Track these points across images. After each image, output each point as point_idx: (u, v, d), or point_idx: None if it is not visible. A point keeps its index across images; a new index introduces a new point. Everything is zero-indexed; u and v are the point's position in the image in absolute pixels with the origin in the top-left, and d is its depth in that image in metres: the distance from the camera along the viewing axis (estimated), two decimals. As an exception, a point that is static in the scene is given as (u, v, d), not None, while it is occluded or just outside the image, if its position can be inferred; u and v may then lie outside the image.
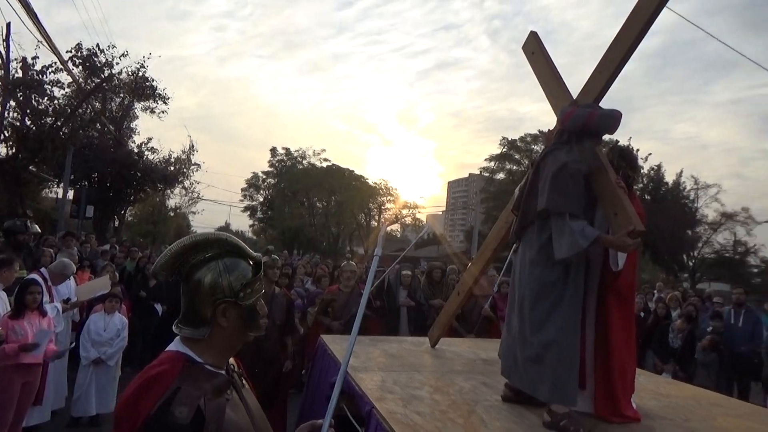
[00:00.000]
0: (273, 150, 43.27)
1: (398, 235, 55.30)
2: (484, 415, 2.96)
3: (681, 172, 37.89)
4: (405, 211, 46.08)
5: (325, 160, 42.96)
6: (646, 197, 36.34)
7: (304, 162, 42.97)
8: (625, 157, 3.19)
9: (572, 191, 2.84)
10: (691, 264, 37.00)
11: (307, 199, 42.90)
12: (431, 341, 4.82)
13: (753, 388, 8.13)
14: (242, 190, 43.56)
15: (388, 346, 4.85)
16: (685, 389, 4.08)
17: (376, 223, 43.84)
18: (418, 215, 47.44)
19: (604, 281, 3.11)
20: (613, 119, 2.94)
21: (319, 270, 9.94)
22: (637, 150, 33.49)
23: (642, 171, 35.51)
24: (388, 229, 45.34)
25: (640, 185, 36.33)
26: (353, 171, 44.38)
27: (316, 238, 43.19)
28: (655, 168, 37.13)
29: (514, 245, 3.37)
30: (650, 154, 49.67)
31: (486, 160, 40.06)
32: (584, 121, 2.95)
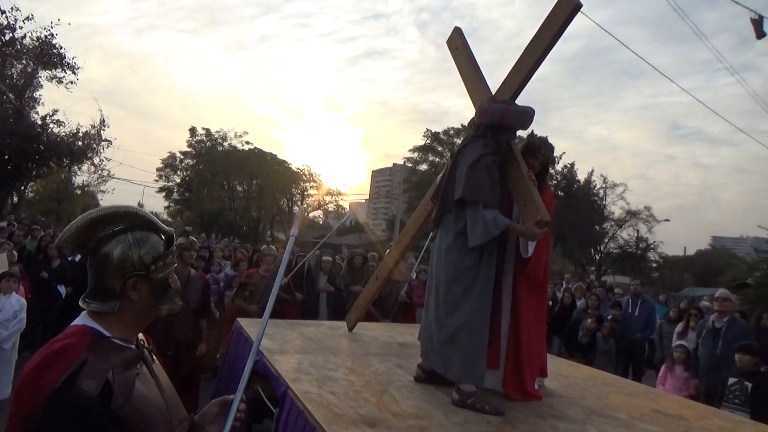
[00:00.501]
0: (192, 130, 41.64)
1: (320, 222, 55.05)
2: (396, 395, 3.04)
3: (592, 171, 40.22)
4: (328, 198, 45.93)
5: (247, 143, 41.90)
6: (560, 193, 38.31)
7: (225, 144, 41.69)
8: (545, 142, 3.40)
9: (486, 182, 2.99)
10: (597, 258, 39.47)
11: (228, 182, 41.71)
12: (348, 325, 4.87)
13: (646, 372, 8.85)
14: (158, 170, 41.63)
15: (305, 329, 4.85)
16: (583, 370, 4.38)
17: (298, 209, 43.36)
18: (341, 202, 47.44)
19: (516, 267, 3.29)
20: (526, 116, 3.11)
21: (238, 254, 9.74)
22: (553, 148, 35.06)
23: (556, 169, 37.42)
24: (311, 215, 45.06)
25: (554, 181, 38.32)
26: (276, 155, 43.63)
27: (236, 222, 42.14)
28: (568, 166, 39.22)
29: (432, 233, 3.49)
30: (564, 153, 52.27)
31: (410, 150, 40.68)
32: (500, 116, 3.10)
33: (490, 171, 3.01)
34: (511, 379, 3.22)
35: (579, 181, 39.68)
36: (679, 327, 7.61)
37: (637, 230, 38.61)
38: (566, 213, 34.86)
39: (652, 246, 39.48)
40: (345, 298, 7.40)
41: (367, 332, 4.98)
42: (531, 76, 3.20)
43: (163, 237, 1.55)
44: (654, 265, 41.80)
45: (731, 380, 5.08)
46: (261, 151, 42.22)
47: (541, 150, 3.31)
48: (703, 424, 3.06)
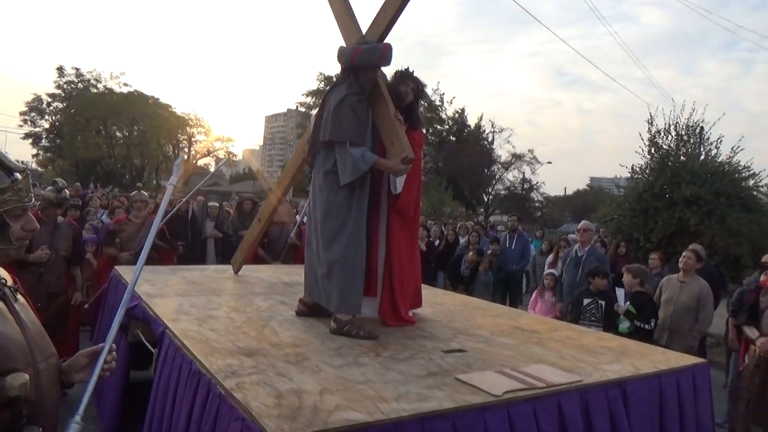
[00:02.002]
0: (60, 69, 37.79)
1: (211, 169, 52.99)
2: (276, 328, 3.15)
3: (481, 116, 41.80)
4: (218, 144, 44.14)
5: (125, 84, 38.85)
6: (451, 138, 39.60)
7: (100, 86, 38.35)
8: (410, 72, 3.53)
9: (352, 121, 3.09)
10: (486, 199, 41.66)
11: (105, 128, 38.66)
12: (234, 267, 4.87)
13: (524, 301, 9.67)
14: (21, 113, 37.58)
15: (189, 274, 4.79)
16: (456, 298, 4.74)
17: (186, 156, 41.33)
18: (231, 149, 45.77)
19: (388, 203, 3.45)
20: (377, 52, 3.18)
21: (115, 202, 9.22)
22: (443, 94, 35.94)
23: (447, 114, 38.45)
24: (200, 162, 43.18)
25: (446, 126, 39.47)
26: (158, 99, 40.92)
27: (117, 171, 39.46)
28: (459, 112, 40.46)
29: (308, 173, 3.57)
30: (454, 97, 53.80)
31: (303, 95, 39.82)
32: (350, 57, 3.17)
33: (354, 110, 3.11)
34: (386, 306, 3.43)
35: (469, 126, 41.14)
36: (550, 258, 8.36)
37: (523, 172, 41.10)
38: (457, 157, 36.33)
39: (535, 187, 42.31)
40: (234, 244, 7.32)
41: (253, 274, 5.01)
42: (399, 15, 3.26)
43: (8, 172, 1.46)
44: (537, 204, 44.83)
45: (586, 300, 5.71)
46: (141, 93, 39.37)
47: (411, 77, 3.43)
48: (553, 336, 3.46)
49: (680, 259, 5.70)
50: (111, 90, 38.18)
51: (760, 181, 10.84)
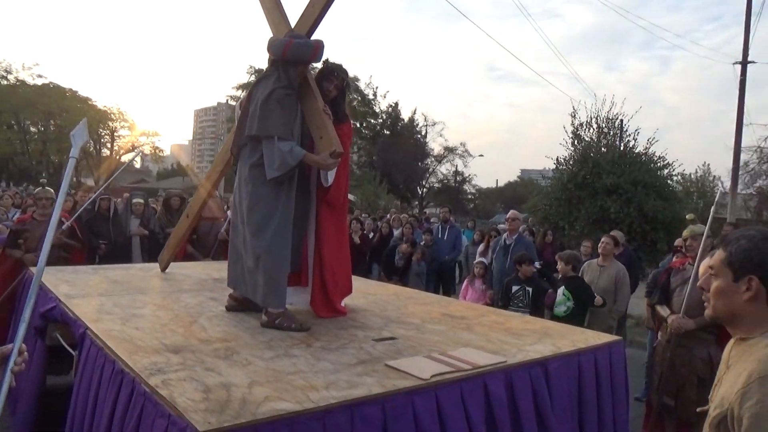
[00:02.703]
0: (-35, 59, 35.03)
1: (137, 165, 50.86)
2: (205, 324, 3.09)
3: (415, 110, 42.22)
4: (143, 139, 42.37)
5: (40, 76, 36.49)
6: (385, 132, 39.84)
7: (10, 77, 35.87)
8: (335, 65, 3.52)
9: (279, 116, 3.08)
10: (421, 192, 42.21)
11: (18, 123, 36.27)
12: (161, 265, 4.71)
13: (457, 289, 9.88)
14: None
15: (112, 273, 4.60)
16: (389, 288, 4.80)
17: (108, 152, 39.48)
18: (158, 144, 44.06)
19: (317, 195, 3.45)
20: (309, 48, 3.18)
21: (29, 200, 8.69)
22: (376, 87, 36.05)
23: (381, 107, 38.61)
24: (124, 158, 41.28)
25: (380, 120, 39.63)
26: (77, 92, 38.76)
27: (32, 168, 37.14)
28: (393, 105, 40.75)
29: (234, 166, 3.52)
30: (388, 91, 54.18)
31: (234, 88, 38.81)
32: (282, 50, 3.14)
33: (282, 104, 3.09)
34: (318, 298, 3.44)
35: (403, 119, 41.52)
36: (481, 247, 8.59)
37: (455, 166, 41.90)
38: (391, 151, 36.63)
39: (467, 179, 43.27)
40: (161, 242, 7.08)
41: (181, 271, 4.87)
42: (327, 10, 3.25)
43: None
44: (470, 196, 45.87)
45: (515, 287, 5.92)
46: (58, 86, 37.15)
47: (334, 73, 3.43)
48: (481, 321, 3.58)
49: (599, 245, 6.01)
50: (23, 82, 35.81)
51: (674, 170, 11.59)
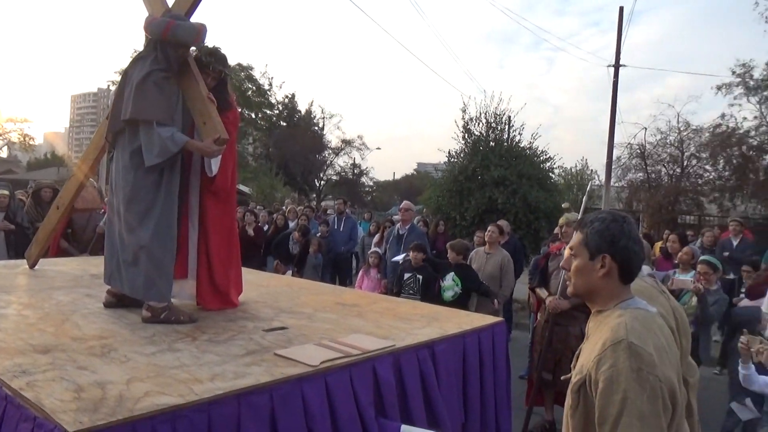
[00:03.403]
0: None
1: (4, 155, 46.08)
2: (80, 322, 2.88)
3: (312, 102, 41.80)
4: (10, 126, 38.46)
5: None
6: (282, 123, 39.14)
7: None
8: (213, 53, 3.33)
9: (158, 99, 2.92)
10: (319, 184, 41.94)
11: None
12: (29, 262, 4.32)
13: (355, 280, 9.96)
14: None
15: (-30, 271, 4.15)
16: (282, 280, 4.75)
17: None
18: (28, 131, 40.23)
19: (202, 183, 3.33)
20: (192, 31, 3.04)
21: None
22: (272, 78, 35.32)
23: (277, 98, 37.85)
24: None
25: (276, 111, 38.87)
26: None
27: None
28: (289, 96, 40.11)
29: (108, 153, 3.30)
30: (284, 82, 53.36)
31: (117, 73, 36.28)
32: (162, 30, 2.98)
33: (160, 88, 2.94)
34: (205, 290, 3.33)
35: (300, 111, 41.02)
36: (376, 238, 8.72)
37: (353, 158, 42.06)
38: (288, 142, 36.06)
39: (365, 172, 43.62)
40: (31, 237, 6.48)
41: (53, 268, 4.50)
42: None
43: None
44: (368, 189, 46.30)
45: (407, 275, 6.08)
46: None
47: (209, 66, 3.26)
48: (372, 308, 3.65)
49: (485, 234, 6.33)
50: None
51: (555, 164, 12.46)
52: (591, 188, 4.06)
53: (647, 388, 1.40)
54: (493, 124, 12.33)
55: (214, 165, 3.24)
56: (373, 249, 7.67)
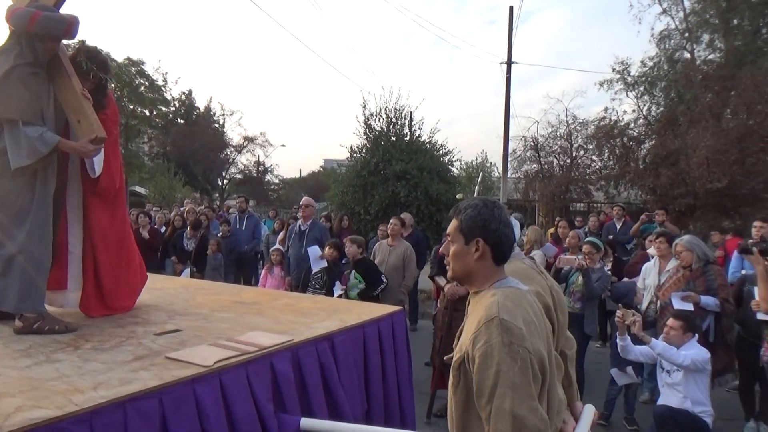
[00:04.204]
0: None
1: None
2: (-59, 338, 2.62)
3: (211, 98, 40.33)
4: None
5: None
6: (179, 121, 37.49)
7: None
8: (93, 58, 3.11)
9: (23, 97, 2.72)
10: (222, 183, 40.60)
11: None
12: None
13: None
14: None
15: None
16: (177, 282, 4.58)
17: None
18: None
19: (85, 187, 3.14)
20: (62, 23, 2.83)
21: None
22: (166, 73, 33.74)
23: (172, 94, 36.12)
24: None
25: (172, 108, 37.14)
26: None
27: None
28: (186, 93, 38.45)
29: None
30: (179, 77, 51.17)
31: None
32: (27, 21, 2.76)
33: (26, 84, 2.73)
34: (92, 297, 3.14)
35: (198, 108, 39.48)
36: (280, 235, 8.63)
37: (258, 156, 41.12)
38: (187, 140, 34.57)
39: (269, 169, 42.80)
40: None
41: None
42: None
43: None
44: (274, 186, 45.48)
45: (315, 269, 6.06)
46: None
47: (89, 74, 3.04)
48: (273, 305, 3.61)
49: (388, 226, 6.46)
50: None
51: (454, 157, 12.89)
52: (482, 178, 4.26)
53: (518, 360, 1.51)
54: (394, 119, 12.56)
55: (97, 165, 3.06)
56: (275, 246, 7.58)
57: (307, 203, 7.00)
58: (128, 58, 31.64)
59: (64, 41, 3.04)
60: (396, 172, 11.31)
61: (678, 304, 4.43)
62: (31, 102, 2.76)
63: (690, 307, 4.39)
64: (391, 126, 12.62)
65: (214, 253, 7.83)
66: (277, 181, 45.57)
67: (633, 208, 15.24)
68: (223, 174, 40.52)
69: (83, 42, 3.23)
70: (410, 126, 13.03)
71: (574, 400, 2.50)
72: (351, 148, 12.58)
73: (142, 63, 32.21)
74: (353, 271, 5.60)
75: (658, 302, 4.77)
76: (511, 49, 16.60)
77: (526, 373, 1.51)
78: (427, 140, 12.50)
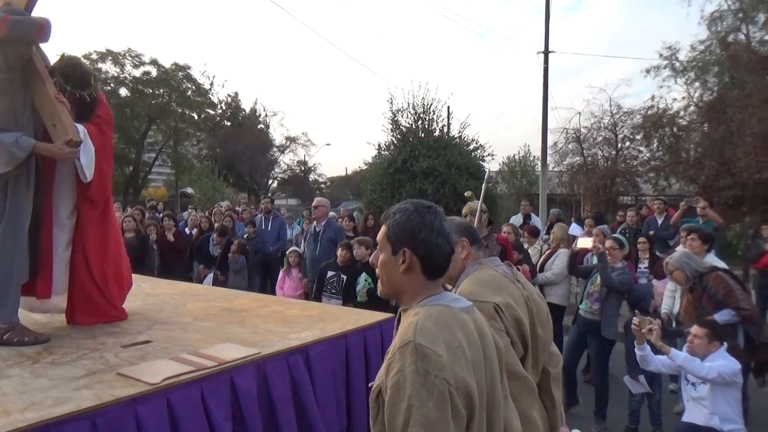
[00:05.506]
0: None
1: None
2: None
3: (256, 100, 40.95)
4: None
5: None
6: (226, 123, 38.28)
7: None
8: (69, 76, 3.02)
9: None
10: (269, 183, 41.23)
11: None
12: None
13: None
14: None
15: None
16: (178, 287, 4.52)
17: None
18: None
19: (78, 192, 3.13)
20: (32, 27, 2.77)
21: None
22: (213, 77, 34.48)
23: (219, 97, 36.90)
24: None
25: (219, 111, 37.95)
26: None
27: None
28: (233, 95, 39.21)
29: None
30: (226, 80, 52.30)
31: None
32: None
33: (4, 92, 2.72)
34: (80, 304, 3.13)
35: (244, 110, 40.18)
36: (306, 234, 8.52)
37: (304, 155, 41.53)
38: (233, 142, 35.24)
39: (312, 168, 43.13)
40: None
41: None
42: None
43: None
44: (323, 185, 45.84)
45: (330, 273, 5.93)
46: None
47: (65, 93, 2.96)
48: (260, 312, 3.49)
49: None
50: None
51: (484, 151, 12.52)
52: (489, 175, 4.01)
53: (434, 393, 1.29)
54: (422, 114, 12.29)
55: (87, 170, 3.03)
56: (292, 248, 7.49)
57: (317, 204, 6.88)
58: (175, 64, 32.54)
59: (42, 45, 3.01)
60: (423, 168, 11.06)
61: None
62: (4, 109, 2.75)
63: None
64: (420, 121, 12.37)
65: (235, 255, 7.80)
66: (324, 179, 45.87)
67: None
68: (270, 174, 41.08)
69: (62, 56, 3.18)
70: (448, 118, 12.72)
71: (558, 425, 2.26)
72: (378, 145, 12.43)
73: (189, 68, 33.05)
74: (363, 272, 5.44)
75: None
76: (548, 38, 16.00)
77: (443, 408, 1.30)
78: (457, 135, 12.20)
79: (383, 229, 1.56)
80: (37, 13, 2.95)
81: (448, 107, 12.94)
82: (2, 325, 2.71)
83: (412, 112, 12.28)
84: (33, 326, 3.01)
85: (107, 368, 2.37)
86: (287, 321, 3.25)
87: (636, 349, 3.85)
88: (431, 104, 12.40)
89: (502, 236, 5.18)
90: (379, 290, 1.62)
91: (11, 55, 2.79)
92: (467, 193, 4.98)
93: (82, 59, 3.44)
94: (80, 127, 2.94)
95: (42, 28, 2.84)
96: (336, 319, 3.31)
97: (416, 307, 1.48)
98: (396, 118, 12.23)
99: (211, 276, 7.79)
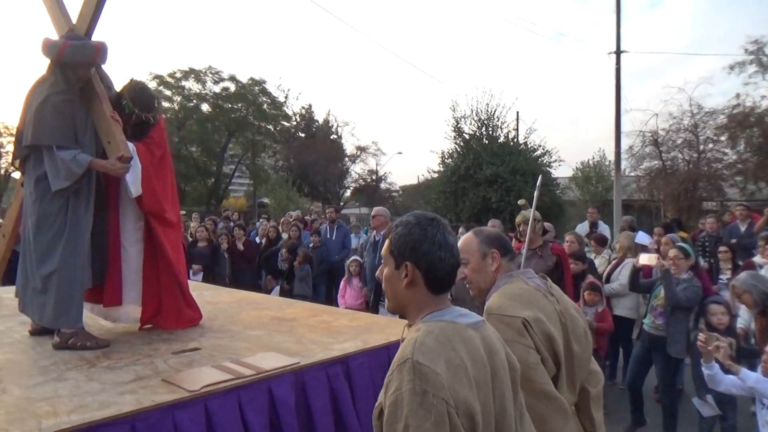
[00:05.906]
0: None
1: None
2: (-9, 352, 2.87)
3: (329, 111, 41.92)
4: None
5: None
6: (300, 134, 39.43)
7: None
8: (136, 100, 3.24)
9: (56, 123, 2.93)
10: (341, 192, 42.02)
11: None
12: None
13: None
14: None
15: None
16: (236, 295, 4.69)
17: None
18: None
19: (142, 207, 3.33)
20: (89, 51, 3.01)
21: None
22: (288, 90, 35.61)
23: (294, 110, 38.07)
24: None
25: (293, 122, 39.15)
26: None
27: None
28: (307, 107, 40.39)
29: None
30: (300, 93, 53.96)
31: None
32: (57, 52, 2.97)
33: (59, 111, 2.94)
34: (164, 311, 3.34)
35: (318, 120, 41.24)
36: (366, 244, 8.60)
37: (375, 164, 42.01)
38: (307, 152, 36.27)
39: (383, 177, 43.50)
40: None
41: (6, 295, 4.53)
42: (102, 8, 3.11)
43: None
44: (395, 194, 46.18)
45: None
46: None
47: (124, 110, 3.20)
48: (308, 322, 3.55)
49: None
50: None
51: (551, 157, 12.13)
52: (542, 182, 3.87)
53: (432, 413, 1.26)
54: (486, 121, 12.08)
55: (132, 186, 3.21)
56: (353, 257, 7.57)
57: (376, 213, 6.92)
58: (252, 79, 33.96)
59: (102, 66, 3.25)
60: (487, 176, 10.87)
61: None
62: (65, 128, 2.96)
63: None
64: (483, 128, 12.17)
65: (300, 264, 8.00)
66: (396, 188, 46.14)
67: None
68: (343, 183, 41.82)
69: (131, 81, 3.39)
70: (517, 124, 12.46)
71: (600, 448, 2.15)
72: (442, 153, 12.35)
73: (264, 82, 34.37)
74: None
75: None
76: (620, 38, 15.33)
77: (441, 429, 1.26)
78: (522, 142, 11.90)
79: (386, 242, 1.55)
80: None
81: (517, 112, 12.67)
82: (67, 331, 2.91)
83: (476, 118, 12.12)
84: (98, 332, 3.23)
85: (154, 374, 2.49)
86: (333, 331, 3.29)
87: (703, 368, 3.58)
88: (495, 110, 12.20)
89: (558, 246, 4.99)
90: (386, 305, 1.60)
91: (72, 77, 3.03)
92: (521, 201, 4.84)
93: (147, 84, 3.67)
94: (130, 145, 3.13)
95: (98, 52, 3.07)
96: (381, 330, 3.31)
97: (419, 323, 1.46)
98: (459, 126, 12.13)
99: (278, 288, 8.02)
